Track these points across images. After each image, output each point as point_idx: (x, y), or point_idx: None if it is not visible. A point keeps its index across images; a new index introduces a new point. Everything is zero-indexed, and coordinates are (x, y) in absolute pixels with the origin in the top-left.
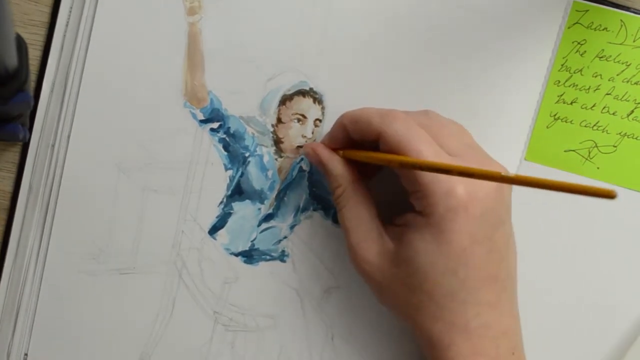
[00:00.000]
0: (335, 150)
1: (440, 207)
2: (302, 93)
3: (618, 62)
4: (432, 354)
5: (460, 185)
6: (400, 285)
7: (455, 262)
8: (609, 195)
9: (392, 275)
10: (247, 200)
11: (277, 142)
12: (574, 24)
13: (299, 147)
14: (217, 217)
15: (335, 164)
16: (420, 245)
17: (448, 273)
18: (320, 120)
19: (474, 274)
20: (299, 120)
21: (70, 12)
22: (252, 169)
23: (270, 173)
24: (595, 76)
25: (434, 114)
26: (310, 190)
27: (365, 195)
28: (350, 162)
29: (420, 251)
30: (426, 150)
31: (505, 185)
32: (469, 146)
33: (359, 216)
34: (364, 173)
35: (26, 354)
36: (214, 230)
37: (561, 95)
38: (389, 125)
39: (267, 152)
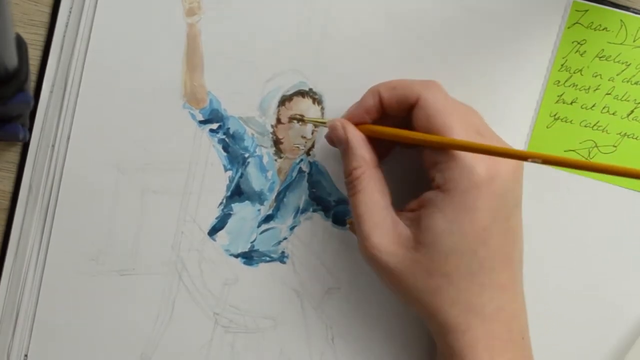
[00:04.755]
0: (356, 126)
1: (464, 181)
2: (302, 93)
3: (618, 62)
4: (446, 339)
5: (483, 163)
6: (418, 271)
7: (476, 242)
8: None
9: (410, 260)
10: (247, 201)
11: (277, 142)
12: (574, 24)
13: (298, 147)
14: (216, 218)
15: (360, 142)
16: (442, 225)
17: (469, 253)
18: None
19: (492, 255)
20: (298, 121)
21: (70, 12)
22: (252, 170)
23: (269, 174)
24: (595, 76)
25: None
26: (310, 191)
27: (382, 181)
28: (371, 145)
29: (443, 231)
30: (461, 125)
31: (521, 167)
32: (486, 129)
33: (373, 202)
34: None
35: (26, 355)
36: (213, 231)
37: (561, 95)
38: (432, 92)
39: (266, 152)
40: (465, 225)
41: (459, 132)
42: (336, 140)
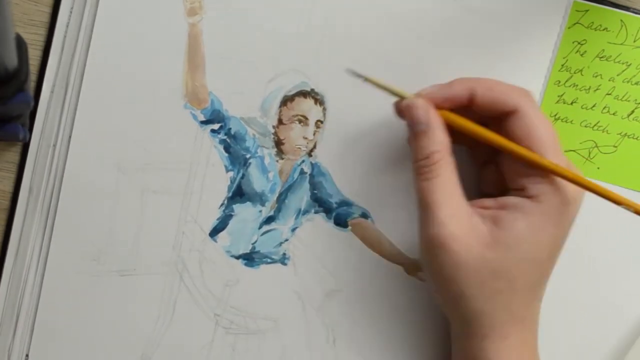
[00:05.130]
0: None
1: (558, 197)
2: (303, 94)
3: (618, 62)
4: (480, 343)
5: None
6: (485, 270)
7: (547, 256)
8: None
9: (481, 257)
10: (248, 202)
11: (278, 143)
12: (574, 24)
13: (300, 148)
14: (217, 219)
15: (441, 126)
16: (526, 231)
17: (537, 265)
18: (321, 122)
19: (550, 269)
20: (300, 121)
21: (70, 12)
22: (253, 171)
23: (271, 175)
24: (596, 76)
25: None
26: (311, 192)
27: (456, 170)
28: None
29: (525, 237)
30: (557, 143)
31: None
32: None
33: (451, 189)
34: None
35: (27, 355)
36: (214, 232)
37: (561, 96)
38: (531, 103)
39: (268, 153)
40: (547, 237)
41: (553, 154)
42: (411, 120)
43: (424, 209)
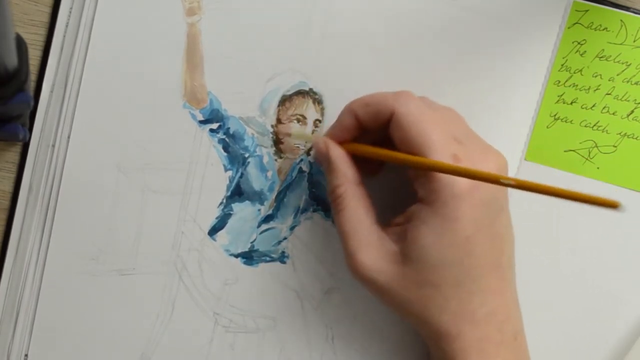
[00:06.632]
0: (340, 144)
1: (445, 193)
2: (302, 93)
3: (618, 62)
4: (439, 345)
5: None
6: (407, 284)
7: (461, 252)
8: (612, 205)
9: (397, 275)
10: (247, 201)
11: (277, 142)
12: (574, 24)
13: (298, 147)
14: (216, 218)
15: (342, 159)
16: (427, 237)
17: (455, 263)
18: (320, 121)
19: (478, 262)
20: (298, 120)
21: (70, 12)
22: (252, 170)
23: (269, 174)
24: (595, 76)
25: (430, 100)
26: (309, 191)
27: (365, 198)
28: (354, 162)
29: (428, 243)
30: (437, 136)
31: (505, 172)
32: (466, 133)
33: (357, 220)
34: (366, 172)
35: (26, 355)
36: (213, 231)
37: (561, 95)
38: (404, 104)
39: (266, 152)
40: (448, 236)
41: (437, 142)
42: (318, 158)
43: (341, 241)
